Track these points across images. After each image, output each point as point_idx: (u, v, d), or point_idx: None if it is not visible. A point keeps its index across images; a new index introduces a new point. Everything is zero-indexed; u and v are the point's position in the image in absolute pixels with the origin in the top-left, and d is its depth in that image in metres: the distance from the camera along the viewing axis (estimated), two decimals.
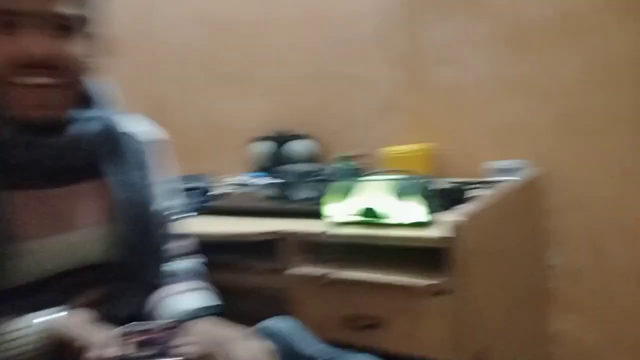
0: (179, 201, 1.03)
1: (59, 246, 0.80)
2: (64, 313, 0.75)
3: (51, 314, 0.74)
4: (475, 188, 1.16)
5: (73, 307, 0.81)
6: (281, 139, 1.68)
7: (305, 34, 1.69)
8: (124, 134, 0.91)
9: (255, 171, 1.73)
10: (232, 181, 1.61)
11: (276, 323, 0.84)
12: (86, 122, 0.83)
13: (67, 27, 0.75)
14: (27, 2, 0.71)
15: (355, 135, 1.64)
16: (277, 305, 1.13)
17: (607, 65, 1.26)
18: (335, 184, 1.04)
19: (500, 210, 1.07)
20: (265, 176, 1.66)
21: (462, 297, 0.88)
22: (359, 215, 1.00)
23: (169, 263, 0.96)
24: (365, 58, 1.58)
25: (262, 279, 1.11)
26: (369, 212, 0.98)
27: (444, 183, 1.23)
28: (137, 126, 0.95)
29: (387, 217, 0.97)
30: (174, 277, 0.95)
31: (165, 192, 0.97)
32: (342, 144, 1.64)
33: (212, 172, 1.67)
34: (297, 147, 1.66)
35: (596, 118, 1.28)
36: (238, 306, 1.39)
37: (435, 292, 0.88)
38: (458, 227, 0.85)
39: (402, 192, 0.95)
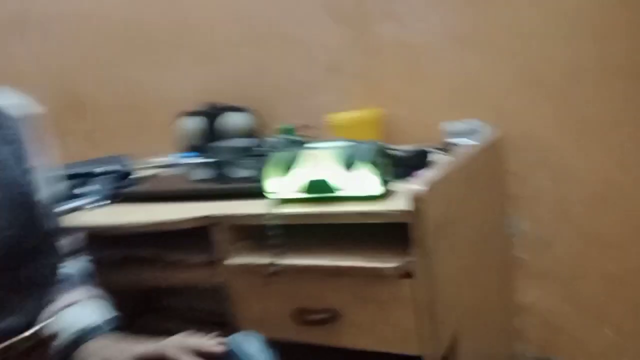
0: (61, 188, 0.86)
1: None
2: None
3: None
4: (432, 153, 1.02)
5: None
6: (213, 113, 1.49)
7: None
8: None
9: (185, 151, 1.53)
10: (157, 162, 1.41)
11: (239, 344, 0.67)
12: None
13: None
14: None
15: (296, 105, 1.47)
16: (215, 302, 0.97)
17: (566, 12, 1.15)
18: (276, 156, 0.88)
19: (463, 177, 0.94)
20: (196, 155, 1.48)
21: (431, 278, 0.74)
22: (304, 190, 0.84)
23: (58, 264, 0.77)
24: (304, 16, 1.40)
25: (195, 274, 0.94)
26: (316, 186, 0.83)
27: (399, 149, 1.10)
28: (4, 100, 0.76)
29: (337, 191, 0.82)
30: (64, 284, 0.78)
31: (47, 177, 0.78)
32: (282, 115, 1.47)
33: (136, 155, 1.46)
34: (231, 120, 1.48)
35: (558, 72, 1.18)
36: (170, 306, 1.22)
37: (401, 274, 0.74)
38: (420, 197, 0.71)
39: (352, 160, 0.80)
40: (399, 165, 0.92)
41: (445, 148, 1.08)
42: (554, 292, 1.27)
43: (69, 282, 0.80)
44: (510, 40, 1.21)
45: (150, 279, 0.98)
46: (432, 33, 1.28)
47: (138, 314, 1.25)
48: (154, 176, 1.26)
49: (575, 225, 1.22)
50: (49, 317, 0.72)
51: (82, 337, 0.70)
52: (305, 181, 0.84)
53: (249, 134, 1.45)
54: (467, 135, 1.15)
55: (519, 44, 1.20)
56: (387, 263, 0.74)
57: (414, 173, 0.92)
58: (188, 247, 0.97)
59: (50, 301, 0.74)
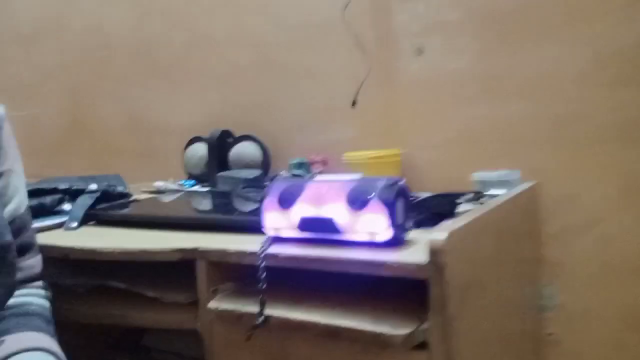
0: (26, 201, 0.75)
1: None
2: None
3: None
4: (460, 201, 0.89)
5: None
6: (223, 140, 1.39)
7: (251, 16, 1.42)
8: None
9: (190, 178, 1.42)
10: (155, 187, 1.30)
11: None
12: None
13: None
14: None
15: (312, 138, 1.36)
16: (197, 346, 0.83)
17: (612, 56, 1.02)
18: (276, 187, 0.75)
19: (494, 231, 0.80)
20: (201, 184, 1.37)
21: (450, 352, 0.59)
22: (305, 229, 0.71)
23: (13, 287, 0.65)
24: (321, 46, 1.31)
25: (171, 315, 0.80)
26: (319, 225, 0.69)
27: (421, 194, 0.96)
28: None
29: (343, 233, 0.68)
30: (19, 319, 0.65)
31: (15, 187, 0.67)
32: (296, 148, 1.36)
33: (139, 178, 1.36)
34: (240, 150, 1.37)
35: (602, 123, 1.04)
36: (161, 344, 1.08)
37: (413, 345, 0.59)
38: (442, 249, 0.57)
39: (364, 198, 0.67)
40: (421, 211, 0.78)
41: (476, 197, 0.94)
42: None
43: (24, 319, 0.67)
44: (548, 86, 1.09)
45: (120, 316, 0.84)
46: (462, 73, 1.16)
47: (109, 351, 1.11)
48: (144, 199, 1.14)
49: (617, 300, 1.05)
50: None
51: None
52: (307, 218, 0.70)
53: (258, 164, 1.34)
54: (500, 187, 1.01)
55: (557, 90, 1.08)
56: (396, 329, 0.59)
57: (439, 222, 0.78)
58: (167, 283, 0.84)
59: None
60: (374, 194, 0.66)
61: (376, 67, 1.24)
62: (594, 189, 1.06)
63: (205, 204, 1.14)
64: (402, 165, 1.19)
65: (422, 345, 0.59)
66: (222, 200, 1.16)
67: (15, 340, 0.63)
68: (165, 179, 1.39)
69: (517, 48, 1.11)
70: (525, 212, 0.99)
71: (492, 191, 0.98)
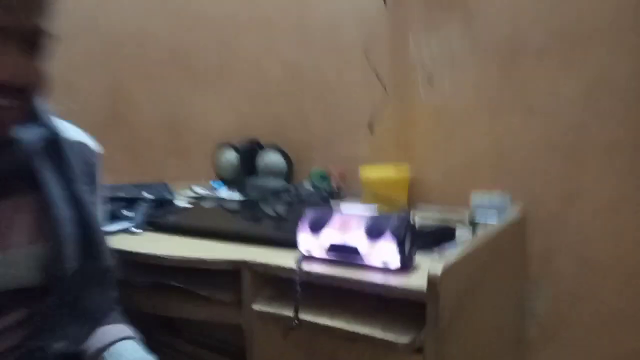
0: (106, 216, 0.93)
1: None
2: None
3: None
4: (457, 228, 1.07)
5: None
6: (250, 148, 1.57)
7: (284, 36, 1.57)
8: (73, 143, 0.81)
9: (219, 180, 1.61)
10: (193, 193, 1.48)
11: None
12: (29, 134, 0.75)
13: (33, 42, 0.67)
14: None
15: (330, 151, 1.53)
16: (233, 343, 1.02)
17: (604, 81, 1.15)
18: (309, 214, 0.93)
19: (484, 259, 0.98)
20: (229, 188, 1.55)
21: (442, 356, 0.78)
22: (332, 251, 0.90)
23: (113, 297, 0.84)
24: (344, 70, 1.48)
25: (220, 311, 0.99)
26: (343, 250, 0.88)
27: (425, 214, 1.14)
28: (83, 136, 0.84)
29: (362, 257, 0.87)
30: (109, 317, 0.84)
31: (103, 209, 0.86)
32: (316, 159, 1.54)
33: (172, 177, 1.54)
34: (268, 159, 1.55)
35: (593, 148, 1.18)
36: (194, 327, 1.28)
37: (413, 349, 0.78)
38: (436, 281, 0.75)
39: (379, 231, 0.85)
40: (425, 238, 0.97)
41: (471, 223, 1.12)
42: None
43: (111, 314, 0.86)
44: (545, 113, 1.23)
45: (176, 309, 1.04)
46: (466, 101, 1.32)
47: (159, 332, 1.31)
48: (190, 207, 1.33)
49: (596, 310, 1.22)
50: (100, 346, 0.79)
51: None
52: (333, 244, 0.89)
53: (282, 173, 1.52)
54: (493, 210, 1.19)
55: (551, 116, 1.22)
56: (400, 337, 0.78)
57: (439, 247, 0.96)
58: (216, 284, 1.03)
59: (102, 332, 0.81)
60: (388, 229, 0.85)
61: (392, 93, 1.40)
62: (578, 211, 1.22)
63: (243, 215, 1.32)
64: (411, 180, 1.36)
65: (419, 350, 0.78)
66: (253, 212, 1.33)
67: (114, 330, 0.82)
68: (195, 177, 1.57)
69: (517, 83, 1.26)
70: (513, 235, 1.17)
71: (485, 213, 1.16)
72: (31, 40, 0.68)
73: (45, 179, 0.76)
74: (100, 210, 0.86)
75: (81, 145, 0.85)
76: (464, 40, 1.31)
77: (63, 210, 0.76)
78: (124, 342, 0.80)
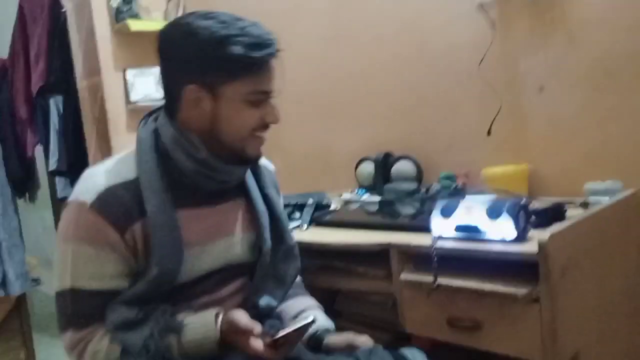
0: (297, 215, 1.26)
1: (216, 250, 1.04)
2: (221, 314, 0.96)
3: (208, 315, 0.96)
4: (568, 208, 1.25)
5: (221, 295, 1.04)
6: (386, 160, 1.86)
7: (408, 64, 1.86)
8: (260, 165, 1.15)
9: (361, 188, 1.92)
10: (342, 198, 1.81)
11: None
12: None
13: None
14: (270, 84, 0.98)
15: (454, 157, 1.77)
16: (385, 312, 1.30)
17: None
18: (440, 203, 1.20)
19: (593, 229, 1.16)
20: (370, 193, 1.85)
21: (554, 305, 0.99)
22: (458, 230, 1.15)
23: (298, 268, 1.16)
24: (464, 87, 1.71)
25: (376, 284, 1.29)
26: (469, 229, 1.13)
27: (542, 202, 1.34)
28: (264, 161, 1.19)
29: (485, 234, 1.11)
30: (301, 288, 1.17)
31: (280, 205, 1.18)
32: (443, 165, 1.77)
33: (324, 188, 1.88)
34: (400, 167, 1.83)
35: None
36: (352, 308, 1.59)
37: (530, 299, 1.01)
38: (545, 244, 0.97)
39: (498, 212, 1.09)
40: (538, 216, 1.17)
41: (584, 204, 1.30)
42: None
43: (302, 288, 1.20)
44: None
45: (341, 283, 1.36)
46: (574, 106, 1.50)
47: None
48: (341, 209, 1.66)
49: None
50: (302, 310, 1.11)
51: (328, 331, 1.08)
52: (461, 224, 1.14)
53: (415, 178, 1.79)
54: (605, 194, 1.34)
55: None
56: (520, 290, 1.01)
57: (552, 224, 1.16)
58: (369, 264, 1.33)
59: (290, 294, 1.14)
60: (504, 209, 1.08)
61: (506, 103, 1.62)
62: None
63: (382, 211, 1.62)
64: (530, 177, 1.55)
65: (536, 300, 1.00)
66: (391, 208, 1.62)
67: (303, 301, 1.15)
68: (342, 187, 1.90)
69: (619, 86, 1.42)
70: (624, 213, 1.31)
71: (598, 199, 1.32)
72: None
73: (251, 189, 1.12)
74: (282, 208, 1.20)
75: (265, 168, 1.18)
76: (568, 53, 1.49)
77: (261, 207, 1.11)
78: (314, 310, 1.13)
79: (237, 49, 0.92)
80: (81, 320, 0.94)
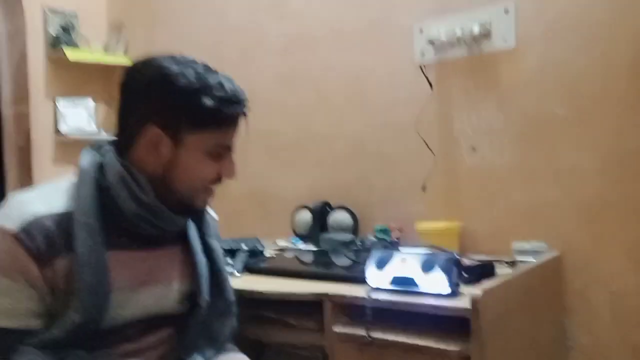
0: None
1: (145, 298, 0.97)
2: None
3: None
4: (499, 266, 1.29)
5: (144, 345, 0.97)
6: (323, 209, 1.86)
7: (348, 117, 1.90)
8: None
9: (297, 236, 1.89)
10: (277, 245, 1.77)
11: None
12: None
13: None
14: (233, 140, 0.99)
15: (389, 210, 1.79)
16: None
17: (621, 160, 1.40)
18: (375, 255, 1.19)
19: (520, 287, 1.19)
20: (305, 241, 1.83)
21: None
22: (394, 283, 1.14)
23: (233, 326, 1.11)
24: (402, 141, 1.76)
25: (307, 337, 1.25)
26: (403, 281, 1.13)
27: (471, 259, 1.37)
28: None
29: (418, 287, 1.11)
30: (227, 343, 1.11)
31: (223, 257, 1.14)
32: (378, 217, 1.79)
33: (259, 234, 1.84)
34: (337, 217, 1.83)
35: (613, 208, 1.41)
36: None
37: (462, 357, 1.00)
38: (477, 300, 0.98)
39: (431, 265, 1.10)
40: (469, 273, 1.19)
41: (511, 263, 1.34)
42: None
43: (231, 342, 1.12)
44: (571, 177, 1.47)
45: (271, 335, 1.30)
46: (507, 166, 1.57)
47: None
48: (276, 256, 1.62)
49: (630, 341, 1.38)
50: None
51: None
52: (395, 277, 1.14)
53: (351, 229, 1.79)
54: (531, 255, 1.40)
55: (578, 180, 1.46)
56: (450, 346, 1.01)
57: (481, 280, 1.19)
58: (301, 315, 1.29)
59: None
60: (437, 263, 1.09)
61: (440, 160, 1.68)
62: (607, 255, 1.42)
63: (317, 261, 1.60)
64: (461, 233, 1.60)
65: (467, 358, 1.00)
66: (326, 258, 1.61)
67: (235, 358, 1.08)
68: (277, 234, 1.87)
69: (548, 148, 1.51)
70: (549, 273, 1.37)
71: (525, 258, 1.37)
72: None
73: (191, 235, 1.06)
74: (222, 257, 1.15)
75: (210, 216, 1.14)
76: (499, 115, 1.58)
77: (201, 257, 1.05)
78: None
79: (211, 102, 0.91)
80: None
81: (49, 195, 0.91)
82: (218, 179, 0.98)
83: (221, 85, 0.93)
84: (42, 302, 0.87)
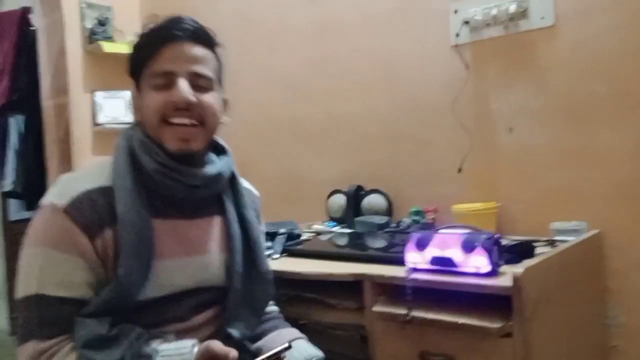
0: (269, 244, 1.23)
1: (188, 267, 1.00)
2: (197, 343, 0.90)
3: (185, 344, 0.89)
4: (540, 246, 1.28)
5: (194, 323, 1.00)
6: (357, 193, 1.87)
7: (382, 103, 1.89)
8: (243, 188, 1.14)
9: (332, 220, 1.91)
10: (312, 229, 1.80)
11: None
12: (218, 164, 1.06)
13: (203, 85, 1.00)
14: (172, 65, 0.97)
15: (424, 192, 1.79)
16: (357, 341, 1.28)
17: None
18: (415, 235, 1.20)
19: (560, 266, 1.18)
20: (340, 226, 1.85)
21: (527, 339, 1.00)
22: (432, 263, 1.15)
23: (271, 294, 1.14)
24: (436, 123, 1.75)
25: (346, 316, 1.27)
26: (443, 261, 1.13)
27: (511, 240, 1.36)
28: (248, 185, 1.18)
29: (458, 267, 1.11)
30: (279, 320, 1.15)
31: (263, 235, 1.16)
32: (413, 199, 1.80)
33: (294, 219, 1.86)
34: (371, 200, 1.84)
35: None
36: (320, 341, 1.55)
37: (503, 334, 1.01)
38: (519, 278, 0.98)
39: (472, 245, 1.10)
40: (508, 252, 1.19)
41: (551, 242, 1.33)
42: None
43: (282, 319, 1.17)
44: (608, 158, 1.45)
45: (311, 315, 1.33)
46: (542, 145, 1.55)
47: None
48: (312, 239, 1.64)
49: None
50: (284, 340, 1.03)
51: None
52: (434, 256, 1.15)
53: (385, 212, 1.80)
54: (571, 234, 1.38)
55: (616, 160, 1.44)
56: (493, 324, 1.01)
57: (522, 260, 1.18)
58: (340, 295, 1.31)
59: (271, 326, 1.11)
60: (478, 243, 1.09)
61: (477, 142, 1.66)
62: None
63: (353, 243, 1.61)
64: (498, 214, 1.59)
65: (509, 335, 1.00)
66: (361, 241, 1.62)
67: (287, 333, 1.11)
68: (310, 219, 1.89)
69: (586, 128, 1.49)
70: (589, 252, 1.36)
71: (564, 238, 1.36)
72: (201, 85, 0.98)
73: (227, 206, 1.09)
74: (263, 234, 1.18)
75: (249, 191, 1.18)
76: (537, 94, 1.56)
77: (236, 230, 1.08)
78: (300, 340, 1.10)
79: (141, 40, 1.00)
80: (45, 330, 0.88)
81: (92, 171, 0.98)
82: (171, 108, 0.96)
83: (157, 23, 0.99)
84: (94, 273, 0.91)
